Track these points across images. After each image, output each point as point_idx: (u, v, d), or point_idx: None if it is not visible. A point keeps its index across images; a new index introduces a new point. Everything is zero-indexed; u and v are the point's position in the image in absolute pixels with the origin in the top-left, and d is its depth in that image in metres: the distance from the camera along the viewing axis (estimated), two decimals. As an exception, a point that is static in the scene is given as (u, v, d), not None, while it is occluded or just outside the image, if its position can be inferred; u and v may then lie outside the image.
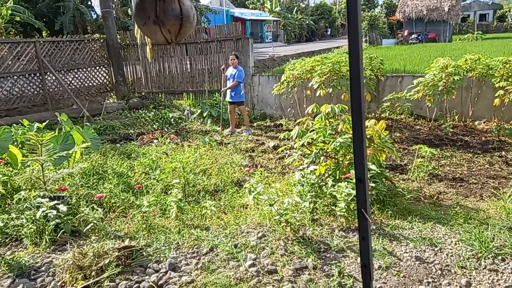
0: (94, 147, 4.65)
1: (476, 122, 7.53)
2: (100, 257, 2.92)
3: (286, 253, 3.16)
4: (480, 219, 3.57)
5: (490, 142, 6.53)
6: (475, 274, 2.77)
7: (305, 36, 44.67)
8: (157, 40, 1.66)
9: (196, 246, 3.33)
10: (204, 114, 9.43)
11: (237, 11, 37.72)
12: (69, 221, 3.69)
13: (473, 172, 5.31)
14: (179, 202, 3.88)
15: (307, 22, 44.79)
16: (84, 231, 3.62)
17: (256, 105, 10.08)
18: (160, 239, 3.44)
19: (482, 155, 5.95)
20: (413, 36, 28.48)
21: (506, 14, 47.38)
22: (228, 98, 8.31)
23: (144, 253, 3.16)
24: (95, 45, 11.26)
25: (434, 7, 28.67)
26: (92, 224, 3.64)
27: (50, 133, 4.23)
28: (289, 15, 42.95)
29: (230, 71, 8.21)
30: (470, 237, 3.20)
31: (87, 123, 7.17)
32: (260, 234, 3.49)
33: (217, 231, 3.63)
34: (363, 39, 28.82)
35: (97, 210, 3.79)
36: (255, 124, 9.12)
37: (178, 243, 3.39)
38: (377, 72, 8.21)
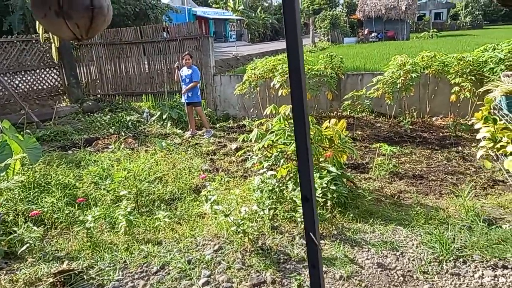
0: (32, 158, 4.22)
1: (434, 118, 7.67)
2: (32, 284, 2.58)
3: (244, 267, 2.95)
4: (440, 219, 3.52)
5: (447, 137, 6.64)
6: (437, 279, 2.68)
7: (269, 35, 44.74)
8: (62, 37, 1.39)
9: (145, 265, 3.05)
10: (164, 117, 9.03)
11: (200, 10, 37.15)
12: (2, 242, 3.29)
13: (432, 169, 5.34)
14: (128, 215, 3.57)
15: (271, 21, 44.87)
16: (19, 253, 3.23)
17: (218, 106, 9.80)
18: (105, 258, 3.12)
19: (440, 151, 6.02)
20: (373, 34, 29.20)
21: (459, 12, 49.75)
22: (184, 99, 8.00)
23: (85, 276, 2.84)
24: (44, 46, 10.54)
25: (392, 6, 29.56)
26: (28, 244, 3.26)
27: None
28: (253, 14, 42.86)
29: (185, 71, 7.88)
30: (431, 239, 3.12)
31: (27, 131, 6.61)
32: (216, 247, 3.25)
33: (170, 245, 3.35)
34: (326, 38, 29.21)
35: (33, 228, 3.40)
36: (217, 125, 8.85)
37: (125, 262, 3.09)
38: (338, 71, 8.18)
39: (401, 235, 3.30)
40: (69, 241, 3.51)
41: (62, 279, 2.68)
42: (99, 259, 3.12)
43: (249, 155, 5.94)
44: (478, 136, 4.29)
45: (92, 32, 1.42)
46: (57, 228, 3.79)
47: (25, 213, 3.95)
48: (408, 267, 2.83)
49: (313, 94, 7.87)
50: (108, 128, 8.67)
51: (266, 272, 2.87)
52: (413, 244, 3.13)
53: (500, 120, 4.28)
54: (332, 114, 8.28)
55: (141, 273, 2.94)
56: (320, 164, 4.18)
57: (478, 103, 6.74)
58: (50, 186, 4.52)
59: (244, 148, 5.30)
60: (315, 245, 1.20)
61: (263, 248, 3.21)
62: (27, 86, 10.17)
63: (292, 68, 1.14)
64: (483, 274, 2.67)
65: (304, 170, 1.23)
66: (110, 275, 2.90)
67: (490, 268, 2.74)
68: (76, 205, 4.15)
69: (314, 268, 1.22)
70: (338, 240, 3.26)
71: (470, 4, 48.73)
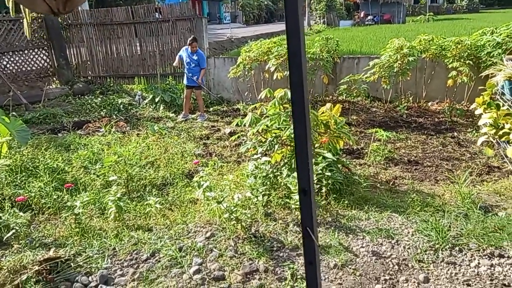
0: (20, 140, 4.07)
1: (430, 103, 7.59)
2: (17, 272, 2.49)
3: (236, 255, 2.88)
4: (436, 206, 3.47)
5: (442, 123, 6.59)
6: (432, 268, 2.63)
7: (264, 17, 44.00)
8: (36, 10, 1.27)
9: (135, 252, 2.97)
10: (156, 100, 8.85)
11: (193, -10, 36.24)
12: (-14, 229, 3.19)
13: (427, 155, 5.29)
14: (118, 201, 3.47)
15: (266, 2, 44.05)
16: (5, 239, 3.13)
17: (212, 89, 9.63)
18: (94, 245, 3.04)
19: (435, 137, 5.96)
20: (369, 17, 28.81)
21: (456, -4, 49.11)
22: (185, 82, 7.84)
23: (72, 264, 2.76)
24: (32, 25, 10.19)
25: (388, -11, 29.07)
26: (14, 230, 3.16)
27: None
28: (248, -5, 41.95)
29: (188, 54, 7.64)
30: (427, 227, 3.08)
31: (13, 113, 6.42)
32: (208, 234, 3.18)
33: (161, 232, 3.27)
34: (321, 21, 28.77)
35: (20, 214, 3.29)
36: (211, 109, 8.70)
37: (115, 249, 3.01)
38: (334, 54, 8.02)
39: (397, 222, 3.25)
40: (57, 227, 3.42)
41: (48, 267, 2.60)
42: (87, 246, 3.03)
43: (243, 139, 5.84)
44: (480, 122, 4.20)
45: (70, 5, 1.29)
46: (45, 214, 3.69)
47: (11, 197, 3.83)
48: (404, 255, 2.79)
49: (308, 78, 7.73)
50: (99, 111, 8.49)
51: (258, 260, 2.81)
52: (408, 232, 3.08)
53: (503, 105, 4.19)
54: (327, 98, 8.17)
55: (130, 260, 2.86)
56: (316, 150, 4.09)
57: (474, 87, 6.66)
58: (38, 170, 4.39)
59: (238, 133, 5.20)
60: (312, 241, 1.11)
61: (256, 235, 3.14)
62: (15, 67, 9.88)
63: (292, 50, 1.03)
64: (479, 263, 2.64)
65: (303, 161, 1.13)
66: (99, 262, 2.82)
67: (487, 257, 2.70)
68: (64, 190, 4.04)
69: (311, 265, 1.14)
70: (332, 228, 3.21)
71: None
